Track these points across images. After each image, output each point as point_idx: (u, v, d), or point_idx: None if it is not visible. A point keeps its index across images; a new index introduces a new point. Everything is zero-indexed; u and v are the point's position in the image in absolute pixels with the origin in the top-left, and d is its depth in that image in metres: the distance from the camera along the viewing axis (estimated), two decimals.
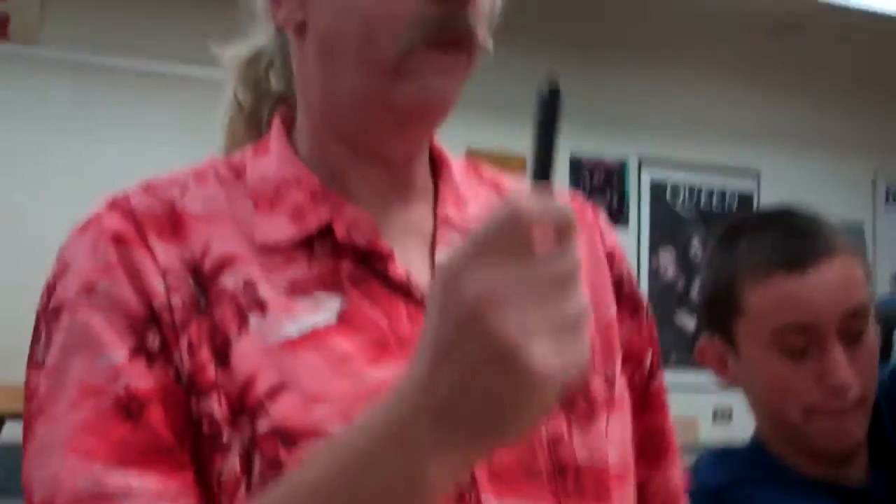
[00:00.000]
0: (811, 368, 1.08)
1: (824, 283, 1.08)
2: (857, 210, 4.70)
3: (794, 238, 1.11)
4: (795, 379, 1.09)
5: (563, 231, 0.55)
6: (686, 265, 4.43)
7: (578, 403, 0.78)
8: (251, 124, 0.86)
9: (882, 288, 4.63)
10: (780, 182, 4.56)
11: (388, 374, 0.70)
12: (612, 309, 0.85)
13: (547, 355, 0.52)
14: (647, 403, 0.87)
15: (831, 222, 1.16)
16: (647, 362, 0.88)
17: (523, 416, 0.55)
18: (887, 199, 4.81)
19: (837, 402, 1.08)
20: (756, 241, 1.12)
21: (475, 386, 0.54)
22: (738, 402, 4.19)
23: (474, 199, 0.84)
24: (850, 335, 1.08)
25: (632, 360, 0.86)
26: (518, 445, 0.72)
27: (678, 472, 0.90)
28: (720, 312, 1.15)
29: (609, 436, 0.79)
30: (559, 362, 0.53)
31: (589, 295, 0.81)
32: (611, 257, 0.88)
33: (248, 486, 0.68)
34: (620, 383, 0.83)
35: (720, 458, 1.21)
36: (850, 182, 4.68)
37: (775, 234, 1.12)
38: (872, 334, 1.11)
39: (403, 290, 0.75)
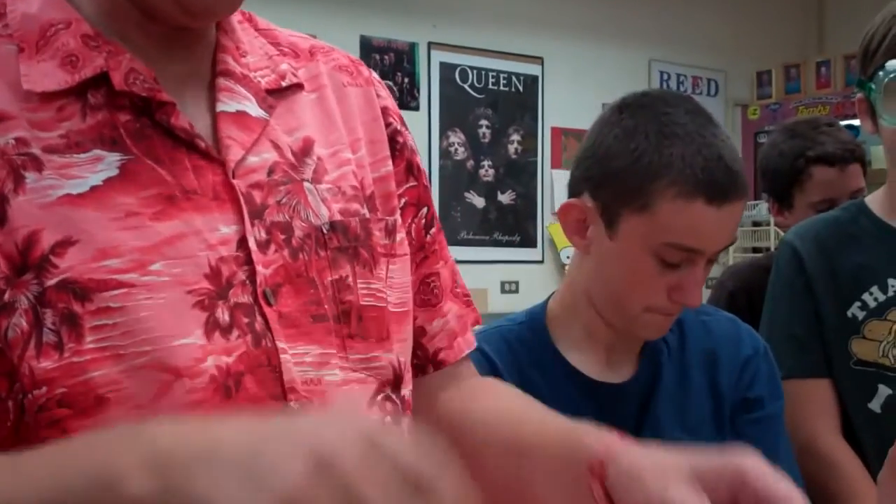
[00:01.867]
0: (671, 279, 1.12)
1: (727, 221, 1.11)
2: None
3: (723, 170, 1.10)
4: (655, 283, 1.12)
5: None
6: (475, 145, 4.56)
7: (361, 252, 0.81)
8: None
9: None
10: (563, 67, 4.73)
11: (178, 228, 0.71)
12: (389, 162, 0.88)
13: None
14: (425, 254, 0.92)
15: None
16: (425, 216, 0.92)
17: None
18: (660, 84, 5.08)
19: (677, 310, 1.16)
20: (689, 150, 1.10)
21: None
22: (523, 276, 4.41)
23: (251, 50, 0.83)
24: (711, 260, 1.15)
25: (409, 211, 0.90)
26: (303, 291, 0.76)
27: (458, 311, 0.94)
28: (620, 193, 1.13)
29: (390, 281, 0.83)
30: None
31: (367, 149, 0.86)
32: (385, 111, 0.90)
33: (40, 341, 0.67)
34: (401, 233, 0.87)
35: (498, 337, 1.24)
36: (628, 68, 4.91)
37: (709, 155, 1.10)
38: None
39: (186, 142, 0.74)
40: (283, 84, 0.83)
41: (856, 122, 1.98)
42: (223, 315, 0.72)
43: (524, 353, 1.20)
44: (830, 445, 1.42)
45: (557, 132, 4.73)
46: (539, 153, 4.72)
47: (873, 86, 1.37)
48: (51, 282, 0.68)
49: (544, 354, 1.21)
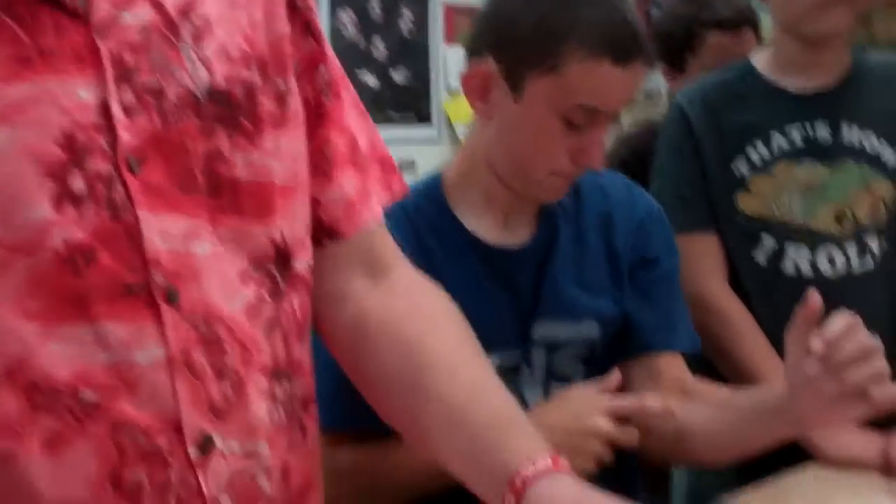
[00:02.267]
0: (574, 142, 1.13)
1: (632, 81, 1.12)
2: None
3: (629, 31, 1.11)
4: (559, 146, 1.13)
5: None
6: (366, 24, 4.47)
7: (242, 122, 0.77)
8: None
9: None
10: None
11: (29, 91, 0.67)
12: (285, 23, 0.83)
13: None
14: (320, 119, 0.88)
15: None
16: (322, 79, 0.88)
17: None
18: None
19: (579, 173, 1.17)
20: (596, 12, 1.11)
21: None
22: (419, 155, 4.41)
23: None
24: (614, 119, 1.17)
25: (306, 75, 0.86)
26: (173, 160, 0.72)
27: (355, 184, 0.91)
28: (527, 56, 1.13)
29: (279, 152, 0.80)
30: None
31: (264, 8, 0.81)
32: None
33: None
34: (295, 100, 0.83)
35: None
36: None
37: (616, 17, 1.11)
38: None
39: None
40: None
41: None
42: (78, 185, 0.68)
43: (422, 221, 1.20)
44: (717, 295, 1.48)
45: (450, 10, 4.66)
46: (432, 31, 4.66)
47: None
48: None
49: (441, 221, 1.21)
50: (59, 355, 0.68)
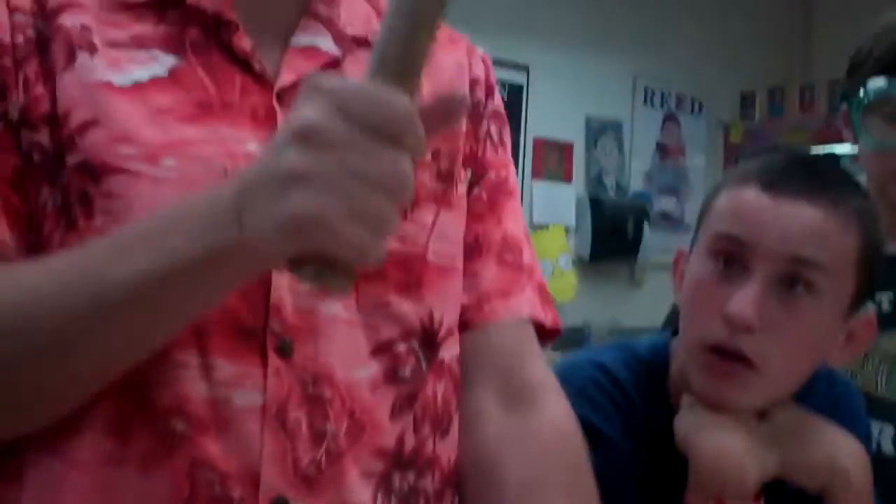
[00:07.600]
0: (724, 291, 0.95)
1: (786, 218, 0.94)
2: (618, 108, 4.94)
3: (797, 168, 0.99)
4: (709, 295, 0.96)
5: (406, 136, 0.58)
6: None
7: None
8: None
9: (635, 183, 4.92)
10: (549, 77, 4.71)
11: (203, 133, 0.71)
12: (462, 120, 0.85)
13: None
14: (494, 214, 0.88)
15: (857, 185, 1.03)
16: (494, 179, 0.89)
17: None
18: (644, 101, 5.07)
19: (724, 334, 0.94)
20: (768, 159, 1.01)
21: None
22: None
23: (348, 5, 0.83)
24: (788, 280, 0.95)
25: (478, 170, 0.88)
26: None
27: (500, 276, 0.88)
28: (698, 220, 1.03)
29: (439, 231, 0.80)
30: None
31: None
32: (474, 82, 0.90)
33: (69, 219, 0.70)
34: (462, 187, 0.84)
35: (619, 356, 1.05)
36: (613, 82, 4.89)
37: (786, 160, 1.01)
38: (820, 308, 0.97)
39: (243, 62, 0.75)
40: (371, 38, 0.80)
41: (837, 149, 1.95)
42: None
43: (632, 410, 1.02)
44: None
45: (539, 143, 4.70)
46: (520, 165, 4.68)
47: (853, 101, 1.36)
48: (72, 161, 0.69)
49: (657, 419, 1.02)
50: (163, 378, 0.68)
